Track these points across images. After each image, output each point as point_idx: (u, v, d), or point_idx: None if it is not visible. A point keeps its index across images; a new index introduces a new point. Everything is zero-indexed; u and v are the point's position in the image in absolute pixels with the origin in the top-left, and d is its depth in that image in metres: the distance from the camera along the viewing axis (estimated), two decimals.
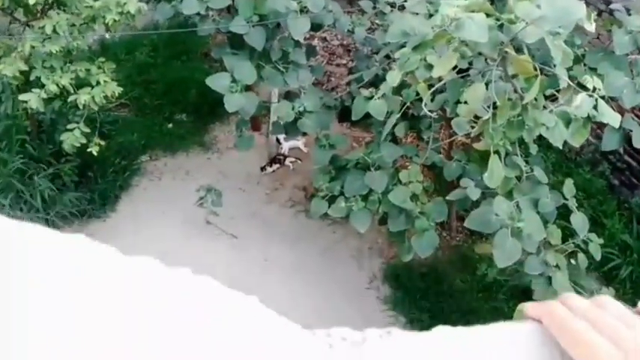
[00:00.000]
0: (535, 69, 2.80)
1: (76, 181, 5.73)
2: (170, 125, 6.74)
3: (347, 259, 5.41)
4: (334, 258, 5.40)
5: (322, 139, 4.41)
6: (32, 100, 4.51)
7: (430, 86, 3.42)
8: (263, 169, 6.23)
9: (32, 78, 4.51)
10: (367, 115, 3.96)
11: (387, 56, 4.41)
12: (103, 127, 6.39)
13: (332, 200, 4.27)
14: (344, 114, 4.70)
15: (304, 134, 5.45)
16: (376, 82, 4.30)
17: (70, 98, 4.70)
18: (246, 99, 4.17)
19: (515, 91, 3.12)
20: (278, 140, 6.30)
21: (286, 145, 6.33)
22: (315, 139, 4.52)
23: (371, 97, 3.89)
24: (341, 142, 4.54)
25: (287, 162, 6.28)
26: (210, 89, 4.23)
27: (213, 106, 6.37)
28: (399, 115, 3.94)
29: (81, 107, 4.68)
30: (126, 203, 5.91)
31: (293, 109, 4.31)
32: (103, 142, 5.24)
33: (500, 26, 2.81)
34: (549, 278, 3.63)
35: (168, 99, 6.87)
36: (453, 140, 4.67)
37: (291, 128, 4.50)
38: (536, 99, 2.95)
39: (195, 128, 6.68)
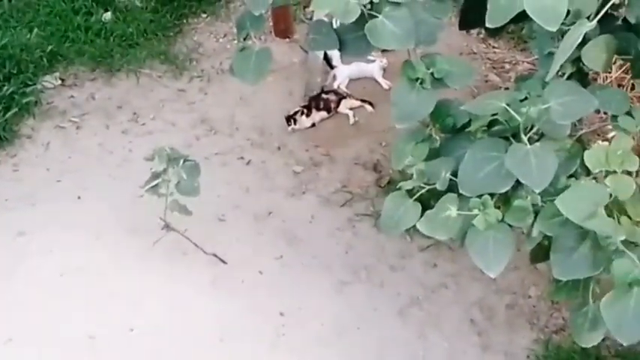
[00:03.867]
0: None
1: None
2: (107, 15, 6.95)
3: (458, 324, 5.39)
4: (430, 321, 5.38)
5: (415, 65, 4.27)
6: None
7: None
8: (291, 119, 6.32)
9: None
10: (521, 18, 3.78)
11: None
12: None
13: (429, 199, 4.17)
14: (472, 13, 4.62)
15: (383, 51, 5.57)
16: None
17: None
18: None
19: None
20: (328, 61, 6.37)
21: (344, 73, 6.42)
22: (404, 62, 4.37)
23: None
24: (459, 71, 4.42)
25: (343, 108, 6.35)
26: None
27: None
28: (592, 23, 3.78)
29: None
30: (7, 173, 6.06)
31: None
32: None
33: None
34: None
35: None
36: None
37: (353, 38, 4.36)
38: None
39: (157, 24, 6.90)
